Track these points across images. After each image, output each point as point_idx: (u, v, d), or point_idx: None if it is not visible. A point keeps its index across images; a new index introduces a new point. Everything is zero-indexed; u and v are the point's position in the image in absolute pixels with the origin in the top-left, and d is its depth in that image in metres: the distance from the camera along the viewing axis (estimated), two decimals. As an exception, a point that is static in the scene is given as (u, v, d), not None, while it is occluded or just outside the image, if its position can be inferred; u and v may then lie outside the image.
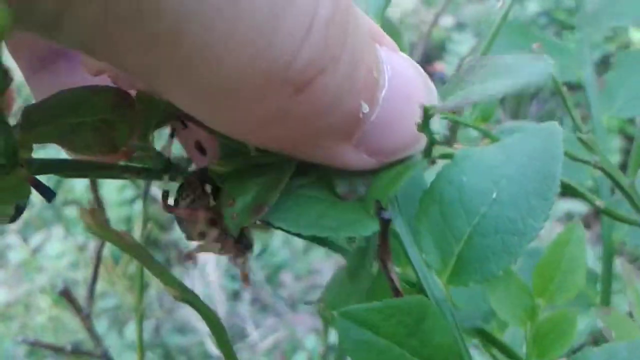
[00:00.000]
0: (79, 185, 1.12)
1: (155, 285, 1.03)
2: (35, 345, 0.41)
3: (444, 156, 0.22)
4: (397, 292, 0.21)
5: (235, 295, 1.02)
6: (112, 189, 1.03)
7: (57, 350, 0.40)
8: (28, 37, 0.21)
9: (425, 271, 0.21)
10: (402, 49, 0.21)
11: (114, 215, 1.06)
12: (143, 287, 0.39)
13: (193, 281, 0.88)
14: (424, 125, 0.17)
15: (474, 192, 0.20)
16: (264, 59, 0.14)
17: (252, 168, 0.19)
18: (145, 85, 0.16)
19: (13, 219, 0.19)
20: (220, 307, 0.85)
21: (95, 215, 0.18)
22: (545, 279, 0.26)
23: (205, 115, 0.16)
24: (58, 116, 0.17)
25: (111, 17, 0.12)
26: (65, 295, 0.38)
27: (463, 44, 1.35)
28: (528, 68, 0.16)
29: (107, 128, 0.17)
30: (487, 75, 0.16)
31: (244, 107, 0.15)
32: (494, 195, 0.20)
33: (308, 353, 0.87)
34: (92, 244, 1.02)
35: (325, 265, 1.09)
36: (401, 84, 0.17)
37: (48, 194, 0.19)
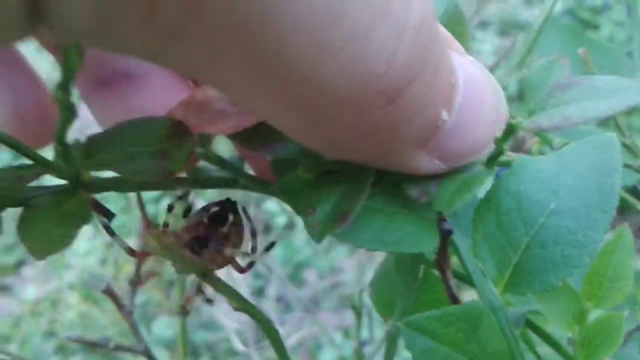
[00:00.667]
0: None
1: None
2: (78, 342, 0.42)
3: (498, 164, 0.23)
4: (454, 299, 0.21)
5: (259, 293, 1.03)
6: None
7: (101, 346, 0.41)
8: (90, 57, 0.22)
9: (482, 280, 0.21)
10: (466, 48, 0.21)
11: (139, 213, 1.06)
12: (183, 287, 0.40)
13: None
14: (504, 140, 0.17)
15: (532, 202, 0.20)
16: (360, 70, 0.14)
17: (326, 176, 0.19)
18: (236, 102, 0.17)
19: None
20: (246, 305, 0.86)
21: (162, 237, 0.19)
22: (594, 286, 0.26)
23: (298, 132, 0.16)
24: (117, 145, 0.18)
25: (221, 35, 0.12)
26: (108, 292, 0.39)
27: (486, 43, 1.34)
28: (632, 91, 0.16)
29: (162, 156, 0.18)
30: (584, 96, 0.16)
31: (338, 121, 0.15)
32: (553, 206, 0.20)
33: (334, 350, 0.87)
34: (121, 242, 1.03)
35: (348, 263, 1.09)
36: (473, 89, 0.18)
37: (108, 214, 0.19)
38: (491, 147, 0.19)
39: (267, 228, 1.17)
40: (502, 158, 0.23)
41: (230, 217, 0.21)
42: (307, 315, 0.96)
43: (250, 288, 0.96)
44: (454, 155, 0.18)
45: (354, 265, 1.08)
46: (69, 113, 0.15)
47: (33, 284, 1.11)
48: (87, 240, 1.08)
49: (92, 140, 0.18)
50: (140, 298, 1.02)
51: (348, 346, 0.95)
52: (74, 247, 1.21)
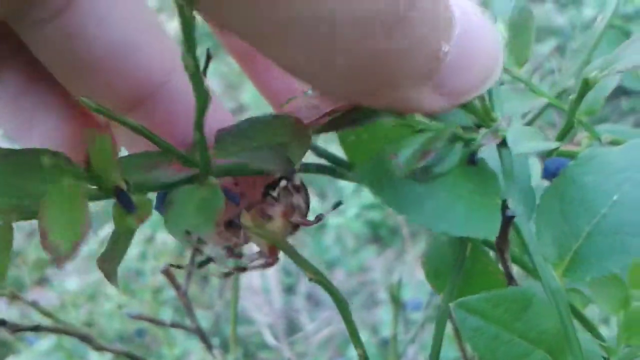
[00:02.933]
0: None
1: (216, 280, 1.06)
2: (138, 319, 0.44)
3: (562, 154, 0.24)
4: (510, 279, 0.23)
5: (290, 290, 1.05)
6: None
7: (158, 324, 0.43)
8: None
9: (543, 263, 0.22)
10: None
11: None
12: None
13: (251, 275, 0.91)
14: (580, 97, 0.18)
15: (596, 193, 0.21)
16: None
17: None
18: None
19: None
20: (277, 300, 0.88)
21: (255, 218, 0.21)
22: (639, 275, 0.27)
23: (298, 61, 0.17)
24: (244, 138, 0.20)
25: None
26: (166, 274, 0.41)
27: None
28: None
29: (282, 150, 0.20)
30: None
31: (340, 48, 0.16)
32: (616, 197, 0.21)
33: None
34: (160, 236, 1.07)
35: (377, 262, 1.10)
36: (469, 23, 0.18)
37: (234, 199, 0.21)
38: (492, 83, 0.20)
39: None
40: (561, 149, 0.25)
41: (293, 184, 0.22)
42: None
43: (281, 285, 0.98)
44: (457, 90, 0.19)
45: (382, 264, 1.09)
46: (205, 99, 0.17)
47: (73, 276, 1.15)
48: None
49: (223, 132, 0.19)
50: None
51: (372, 344, 0.96)
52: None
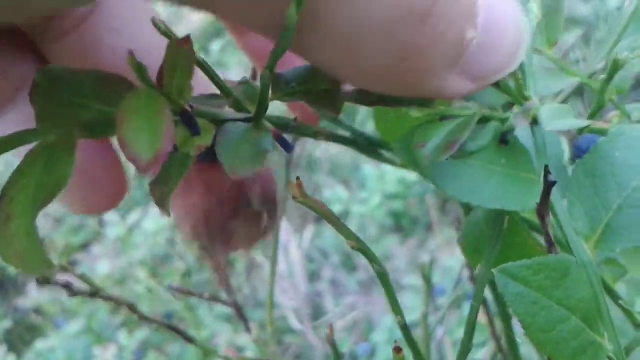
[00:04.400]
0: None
1: (242, 265, 1.09)
2: (178, 292, 0.45)
3: (594, 131, 0.25)
4: (550, 244, 0.24)
5: (314, 276, 1.06)
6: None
7: (197, 296, 0.45)
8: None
9: (574, 236, 0.23)
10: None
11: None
12: (277, 248, 0.43)
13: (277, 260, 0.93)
14: (610, 77, 0.19)
15: (626, 167, 0.22)
16: None
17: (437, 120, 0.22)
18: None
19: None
20: (302, 285, 0.90)
21: (301, 188, 0.22)
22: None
23: (334, 62, 0.18)
24: (296, 84, 0.21)
25: None
26: (204, 248, 0.42)
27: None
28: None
29: (327, 95, 0.21)
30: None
31: (373, 46, 0.17)
32: (645, 172, 0.22)
33: (385, 332, 0.90)
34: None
35: (400, 251, 1.12)
36: (492, 9, 0.19)
37: (287, 146, 0.22)
38: (516, 65, 0.20)
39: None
40: (593, 127, 0.26)
41: None
42: (359, 298, 0.99)
43: (306, 271, 1.00)
44: (483, 73, 0.20)
45: (405, 253, 1.10)
46: (285, 42, 0.18)
47: (104, 260, 1.18)
48: (156, 220, 1.14)
49: (278, 76, 0.21)
50: (204, 276, 1.08)
51: (397, 328, 0.97)
52: (142, 227, 1.27)
